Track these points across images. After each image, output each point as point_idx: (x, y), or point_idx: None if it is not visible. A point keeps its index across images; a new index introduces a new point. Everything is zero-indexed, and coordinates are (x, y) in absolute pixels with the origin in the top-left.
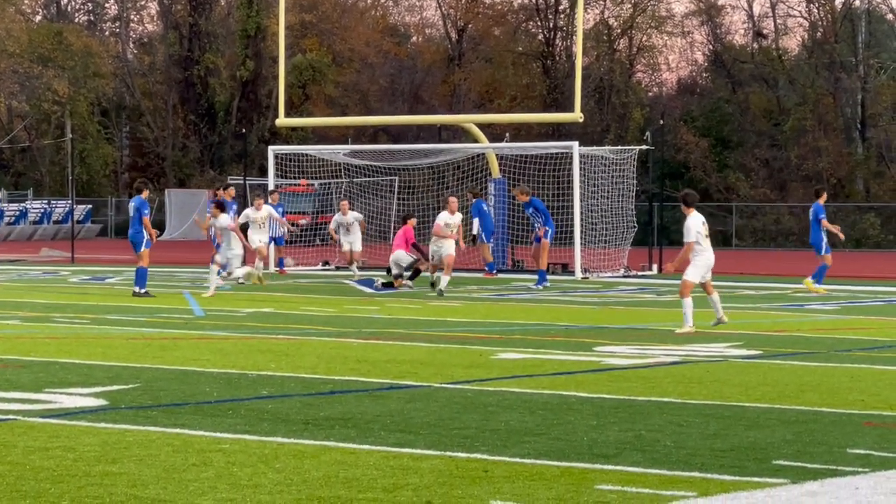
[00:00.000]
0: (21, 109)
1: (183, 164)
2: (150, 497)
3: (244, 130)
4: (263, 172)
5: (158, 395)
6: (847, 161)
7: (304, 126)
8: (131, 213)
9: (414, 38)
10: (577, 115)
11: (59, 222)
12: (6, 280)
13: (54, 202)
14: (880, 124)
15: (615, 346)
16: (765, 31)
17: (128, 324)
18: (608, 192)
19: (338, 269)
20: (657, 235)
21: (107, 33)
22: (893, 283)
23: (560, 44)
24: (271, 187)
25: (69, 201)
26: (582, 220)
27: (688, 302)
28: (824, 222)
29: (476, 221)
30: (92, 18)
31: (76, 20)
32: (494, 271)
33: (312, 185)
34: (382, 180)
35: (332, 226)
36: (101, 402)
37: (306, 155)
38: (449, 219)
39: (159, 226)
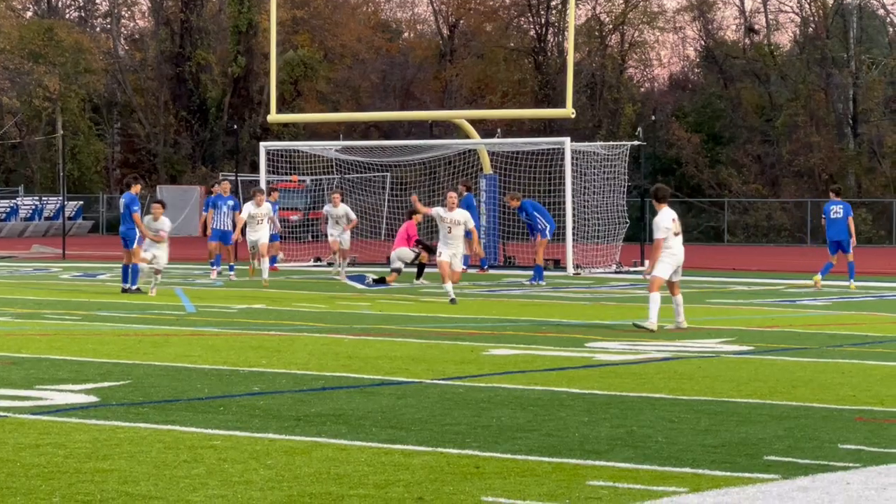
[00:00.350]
0: (12, 106)
1: (174, 160)
2: (141, 493)
3: (236, 127)
4: (255, 169)
5: (149, 392)
6: (839, 157)
7: (295, 122)
8: (122, 210)
9: (405, 34)
10: (568, 111)
11: (50, 219)
12: None
13: (45, 199)
14: (872, 120)
15: (607, 343)
16: (756, 27)
17: (119, 320)
18: (600, 187)
19: (329, 265)
20: (649, 231)
21: (98, 29)
22: (885, 278)
23: (552, 39)
24: (263, 184)
25: (60, 198)
26: (574, 215)
27: (654, 297)
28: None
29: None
30: (83, 14)
31: (67, 16)
32: (486, 267)
33: (304, 181)
34: (374, 176)
35: (323, 212)
36: (92, 398)
37: (298, 151)
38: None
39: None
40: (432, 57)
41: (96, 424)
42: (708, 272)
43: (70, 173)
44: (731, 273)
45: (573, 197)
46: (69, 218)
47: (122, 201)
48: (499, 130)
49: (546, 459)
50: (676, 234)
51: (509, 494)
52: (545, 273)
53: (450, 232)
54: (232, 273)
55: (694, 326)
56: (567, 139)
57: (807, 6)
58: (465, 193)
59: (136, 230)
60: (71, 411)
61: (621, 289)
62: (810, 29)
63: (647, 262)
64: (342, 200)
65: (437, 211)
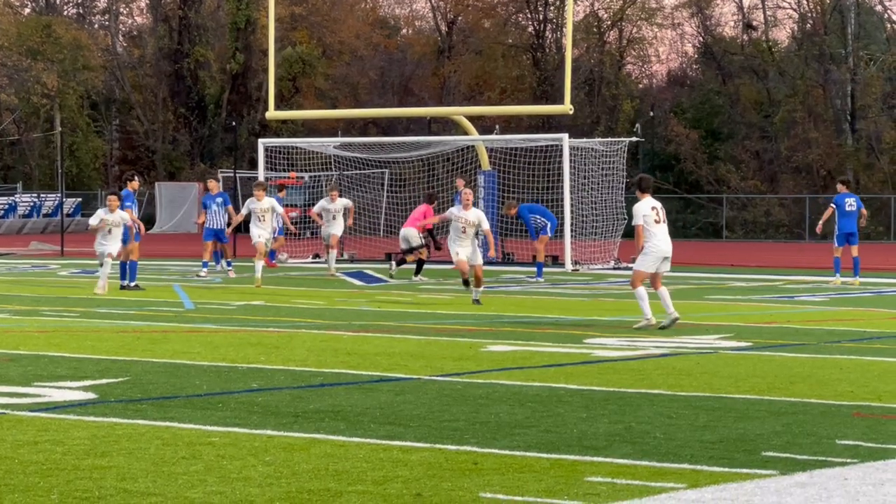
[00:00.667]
0: (10, 103)
1: (173, 157)
2: (140, 490)
3: (234, 123)
4: (253, 165)
5: (148, 389)
6: (837, 153)
7: (294, 119)
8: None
9: (404, 31)
10: (566, 108)
11: (49, 216)
12: None
13: (44, 195)
14: (870, 116)
15: (605, 339)
16: (754, 23)
17: (117, 317)
18: (598, 184)
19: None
20: None
21: (96, 26)
22: (883, 274)
23: (550, 36)
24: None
25: (59, 195)
26: (572, 212)
27: (640, 293)
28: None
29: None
30: (81, 11)
31: (65, 13)
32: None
33: (302, 177)
34: (372, 173)
35: (315, 209)
36: (90, 395)
37: (296, 148)
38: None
39: (150, 219)
40: (431, 53)
41: (94, 421)
42: (706, 268)
43: (68, 170)
44: (729, 269)
45: (571, 193)
46: (67, 215)
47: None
48: (497, 127)
49: (544, 455)
50: (658, 223)
51: (507, 490)
52: (544, 269)
53: (464, 232)
54: (230, 269)
55: (692, 322)
56: (565, 135)
57: (805, 2)
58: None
59: (133, 226)
60: (69, 408)
61: (620, 285)
62: (808, 25)
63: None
64: (340, 196)
65: (451, 211)
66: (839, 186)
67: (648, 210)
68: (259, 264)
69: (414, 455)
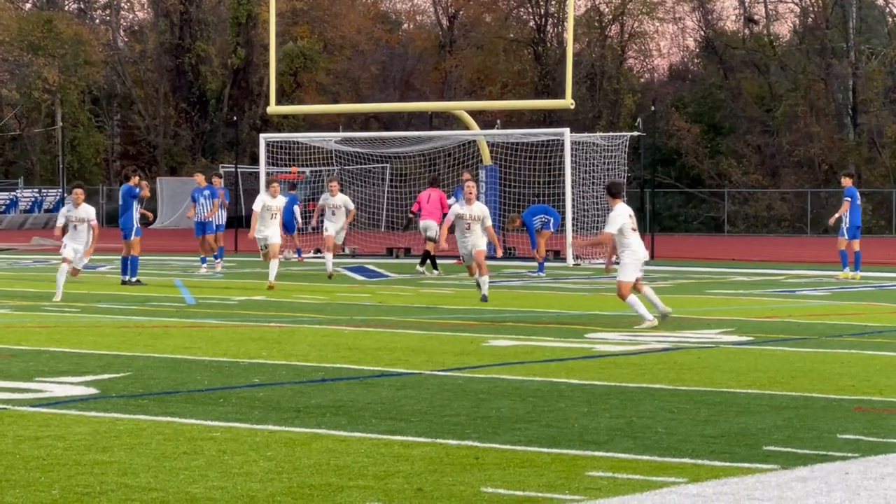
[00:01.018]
0: (11, 98)
1: (174, 152)
2: (141, 485)
3: (235, 118)
4: (255, 160)
5: (149, 384)
6: (839, 147)
7: (295, 114)
8: (121, 202)
9: (405, 26)
10: (568, 102)
11: (50, 211)
12: None
13: (45, 191)
14: (871, 110)
15: (607, 333)
16: (756, 17)
17: (119, 312)
18: (600, 178)
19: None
20: (649, 222)
21: (97, 21)
22: (884, 268)
23: (551, 30)
24: (262, 176)
25: (60, 190)
26: (574, 206)
27: (633, 300)
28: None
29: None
30: (82, 6)
31: (66, 8)
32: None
33: (303, 172)
34: (374, 167)
35: (320, 204)
36: (91, 390)
37: (298, 142)
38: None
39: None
40: (432, 48)
41: (96, 416)
42: (708, 263)
43: (70, 165)
44: (730, 263)
45: (573, 188)
46: None
47: (120, 194)
48: (498, 121)
49: (545, 450)
50: (634, 230)
51: (509, 485)
52: (545, 264)
53: (468, 229)
54: (204, 266)
55: (694, 317)
56: (567, 130)
57: None
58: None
59: (134, 221)
60: (70, 403)
61: None
62: (810, 19)
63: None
64: (340, 190)
65: (454, 210)
66: (847, 180)
67: (627, 217)
68: (274, 264)
69: (415, 450)
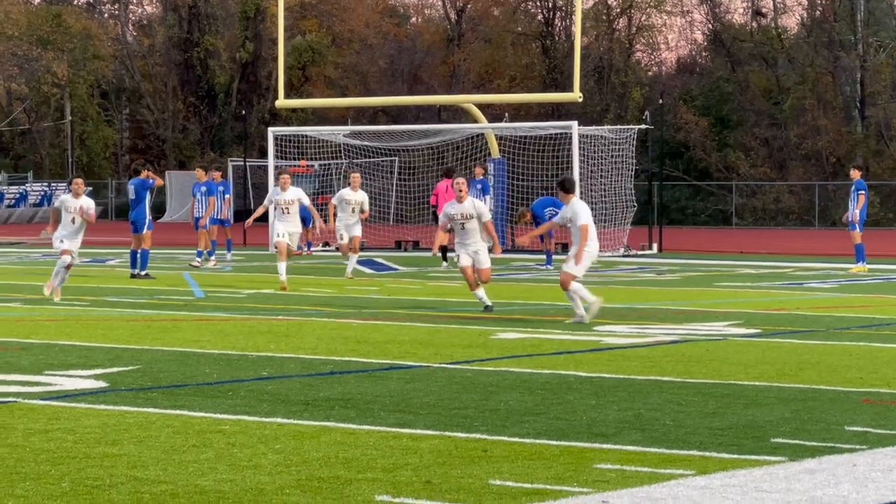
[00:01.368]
0: (20, 92)
1: (183, 146)
2: (150, 478)
3: (244, 112)
4: (263, 154)
5: (158, 377)
6: (846, 140)
7: (303, 107)
8: (132, 196)
9: (413, 19)
10: (576, 95)
11: None
12: (6, 263)
13: (54, 185)
14: (879, 103)
15: (615, 326)
16: (764, 10)
17: (128, 306)
18: (608, 171)
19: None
20: (657, 215)
21: (106, 15)
22: (892, 261)
23: (559, 24)
24: (271, 169)
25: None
26: (582, 199)
27: (576, 286)
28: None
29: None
30: (91, 1)
31: (75, 2)
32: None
33: (312, 166)
34: (382, 161)
35: (334, 200)
36: (101, 383)
37: (306, 136)
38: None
39: (160, 208)
40: (440, 42)
41: (105, 409)
42: (716, 255)
43: (79, 159)
44: (738, 256)
45: (581, 181)
46: None
47: (130, 187)
48: (507, 115)
49: (554, 443)
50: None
51: (517, 478)
52: (553, 257)
53: (463, 228)
54: (198, 259)
55: (702, 309)
56: (575, 123)
57: None
58: (481, 177)
59: (146, 215)
60: (80, 396)
61: (629, 272)
62: (818, 12)
63: (626, 247)
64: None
65: (446, 211)
66: (856, 172)
67: (590, 211)
68: (282, 264)
69: (424, 442)
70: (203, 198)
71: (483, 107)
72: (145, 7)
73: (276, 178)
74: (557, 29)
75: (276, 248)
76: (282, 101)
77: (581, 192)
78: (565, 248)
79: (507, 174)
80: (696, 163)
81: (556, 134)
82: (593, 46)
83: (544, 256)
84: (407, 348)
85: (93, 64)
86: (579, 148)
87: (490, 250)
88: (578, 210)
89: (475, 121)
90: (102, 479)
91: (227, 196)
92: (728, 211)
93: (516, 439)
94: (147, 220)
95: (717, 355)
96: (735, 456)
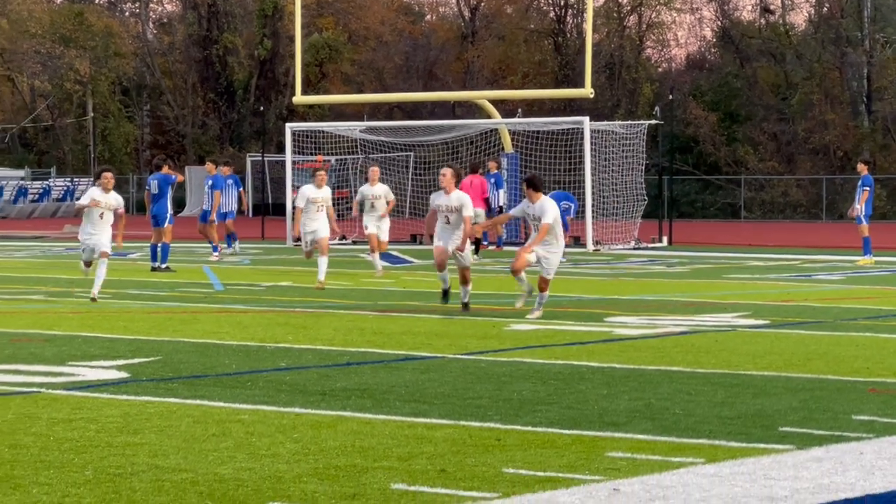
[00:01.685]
0: (44, 89)
1: (203, 141)
2: (171, 466)
3: (262, 108)
4: (281, 149)
5: (179, 368)
6: (854, 134)
7: (320, 103)
8: (153, 190)
9: (428, 17)
10: (587, 91)
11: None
12: (30, 256)
13: (77, 180)
14: (886, 98)
15: (626, 317)
16: (772, 7)
17: (149, 298)
18: (619, 166)
19: (354, 242)
20: (667, 208)
21: (127, 14)
22: None
23: (571, 21)
24: (289, 164)
25: (91, 179)
26: (593, 193)
27: (522, 277)
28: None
29: (501, 193)
30: None
31: (97, 1)
32: (502, 245)
33: (328, 161)
34: (398, 156)
35: (357, 198)
36: (122, 374)
37: (323, 131)
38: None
39: (180, 202)
40: (454, 39)
41: (127, 399)
42: (724, 248)
43: (101, 155)
44: (747, 249)
45: (592, 175)
46: None
47: (153, 182)
48: (519, 110)
49: (566, 432)
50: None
51: (530, 466)
52: (566, 249)
53: (448, 221)
54: (229, 249)
55: (711, 301)
56: (586, 118)
57: None
58: (495, 171)
59: (168, 209)
60: (102, 387)
61: (640, 265)
62: (825, 8)
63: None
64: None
65: (432, 200)
66: (863, 167)
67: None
68: (323, 262)
69: (438, 432)
70: (210, 192)
71: (497, 103)
72: (165, 5)
73: (312, 175)
74: (569, 26)
75: (305, 248)
76: (299, 98)
77: (592, 186)
78: (577, 240)
79: (520, 169)
80: (705, 157)
81: (569, 129)
82: (604, 43)
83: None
84: (422, 339)
85: (114, 61)
86: (591, 143)
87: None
88: (547, 209)
89: (489, 116)
90: (124, 468)
91: (239, 189)
92: (737, 204)
93: (529, 428)
94: (168, 215)
95: (726, 346)
96: (744, 444)
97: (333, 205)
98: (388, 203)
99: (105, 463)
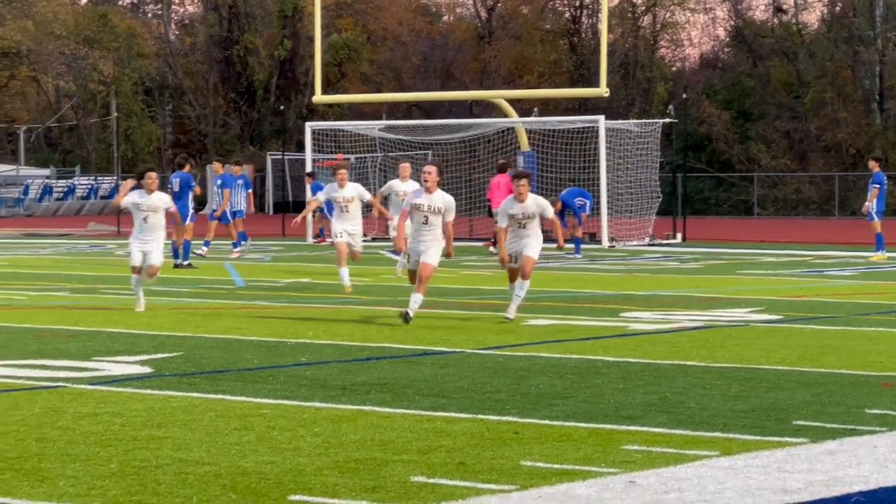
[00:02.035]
0: (68, 89)
1: (224, 140)
2: (194, 460)
3: (282, 107)
4: (301, 148)
5: (201, 363)
6: (865, 131)
7: (340, 102)
8: (175, 189)
9: (445, 17)
10: (602, 91)
11: (106, 197)
12: (55, 253)
13: (101, 178)
14: None
15: (640, 312)
16: (784, 7)
17: (171, 295)
18: (633, 163)
19: (374, 239)
20: (681, 205)
21: (149, 15)
22: None
23: (586, 21)
24: (309, 163)
25: (115, 177)
26: (608, 191)
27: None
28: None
29: None
30: (135, 1)
31: (120, 3)
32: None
33: (348, 159)
34: (416, 154)
35: (384, 190)
36: (146, 369)
37: (342, 130)
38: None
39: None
40: (471, 39)
41: (151, 394)
42: (738, 244)
43: (124, 154)
44: (760, 245)
45: (608, 173)
46: None
47: (175, 180)
48: (536, 109)
49: (582, 425)
50: None
51: (547, 459)
52: (581, 246)
53: (426, 223)
54: (238, 248)
55: (725, 296)
56: (601, 117)
57: None
58: (509, 170)
59: (189, 207)
60: (127, 382)
61: (654, 261)
62: (837, 8)
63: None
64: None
65: (409, 200)
66: (874, 164)
67: None
68: (344, 271)
69: (457, 425)
70: (219, 191)
71: (513, 102)
72: (187, 7)
73: (334, 174)
74: (584, 26)
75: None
76: (319, 97)
77: (608, 184)
78: (593, 237)
79: (536, 166)
80: (718, 155)
81: (584, 128)
82: (619, 43)
83: (573, 245)
84: (440, 334)
85: (137, 62)
86: (606, 141)
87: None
88: (545, 205)
89: (505, 115)
90: (149, 461)
91: (248, 190)
92: (750, 201)
93: (546, 422)
94: (190, 213)
95: (739, 341)
96: (758, 437)
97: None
98: None
99: (130, 456)
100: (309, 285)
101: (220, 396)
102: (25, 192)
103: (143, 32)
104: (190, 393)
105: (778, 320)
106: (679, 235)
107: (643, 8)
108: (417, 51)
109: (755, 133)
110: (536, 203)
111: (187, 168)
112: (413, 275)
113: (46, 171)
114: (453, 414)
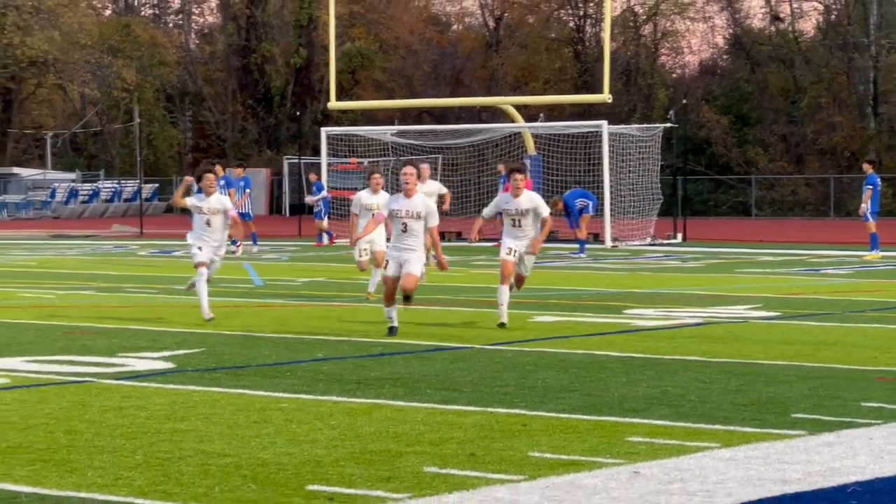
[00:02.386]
0: (93, 96)
1: (242, 145)
2: (216, 451)
3: (298, 113)
4: (317, 152)
5: (222, 359)
6: (860, 135)
7: (353, 109)
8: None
9: (454, 27)
10: (605, 97)
11: (129, 200)
12: (81, 254)
13: (124, 182)
14: (891, 100)
15: (643, 309)
16: (781, 15)
17: (193, 293)
18: (635, 166)
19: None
20: (681, 206)
21: (171, 25)
22: None
23: (589, 30)
24: (324, 167)
25: (138, 181)
26: (611, 193)
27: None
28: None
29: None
30: (157, 12)
31: (142, 13)
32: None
33: (362, 163)
34: (427, 158)
35: (352, 208)
36: (169, 365)
37: (356, 135)
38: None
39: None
40: (479, 47)
41: (174, 389)
42: (736, 244)
43: (146, 158)
44: (758, 245)
45: (610, 176)
46: (146, 199)
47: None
48: (541, 115)
49: (588, 417)
50: None
51: (554, 450)
52: (586, 246)
53: (404, 230)
54: (245, 248)
55: (724, 294)
56: (604, 122)
57: None
58: (504, 173)
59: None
60: (150, 377)
61: (656, 260)
62: (832, 16)
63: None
64: (430, 177)
65: (387, 205)
66: (868, 166)
67: None
68: (377, 273)
69: (468, 418)
70: (224, 191)
71: (520, 107)
72: (207, 17)
73: (368, 178)
74: (588, 35)
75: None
76: (333, 103)
77: (610, 186)
78: (596, 237)
79: (542, 169)
80: (717, 158)
81: (588, 132)
82: (621, 51)
83: (577, 245)
84: (451, 331)
85: (159, 70)
86: (609, 145)
87: (439, 263)
88: (539, 203)
89: (512, 120)
90: (172, 453)
91: (247, 190)
92: (748, 203)
93: (553, 414)
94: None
95: (739, 336)
96: (757, 430)
97: (332, 207)
98: (442, 197)
99: (154, 448)
100: (325, 284)
101: (240, 391)
102: (52, 195)
103: (165, 42)
104: (211, 387)
105: (776, 317)
106: (680, 236)
107: (644, 17)
108: (428, 59)
109: (753, 137)
110: (530, 199)
111: (218, 170)
112: (392, 281)
113: (72, 175)
114: (464, 407)
